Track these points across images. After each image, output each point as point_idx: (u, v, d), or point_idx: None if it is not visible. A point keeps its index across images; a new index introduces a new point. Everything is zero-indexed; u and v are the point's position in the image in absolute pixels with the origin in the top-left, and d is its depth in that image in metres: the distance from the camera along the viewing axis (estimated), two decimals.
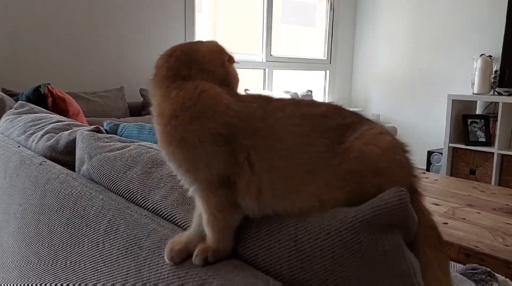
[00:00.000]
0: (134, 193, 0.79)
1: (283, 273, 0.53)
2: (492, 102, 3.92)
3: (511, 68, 3.73)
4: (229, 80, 0.61)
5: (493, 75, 3.83)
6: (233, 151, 0.54)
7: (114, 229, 0.73)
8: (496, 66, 3.85)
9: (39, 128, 1.54)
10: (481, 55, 3.87)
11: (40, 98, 2.42)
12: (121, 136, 1.32)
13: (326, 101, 4.15)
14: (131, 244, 0.68)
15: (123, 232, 0.71)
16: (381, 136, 0.56)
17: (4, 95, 2.14)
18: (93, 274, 0.74)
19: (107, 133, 1.37)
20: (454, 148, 4.01)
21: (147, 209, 0.75)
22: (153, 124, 0.58)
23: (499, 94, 3.79)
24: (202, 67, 0.58)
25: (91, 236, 0.77)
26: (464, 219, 2.11)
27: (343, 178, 0.53)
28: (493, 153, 3.73)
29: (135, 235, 0.69)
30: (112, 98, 3.39)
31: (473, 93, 3.91)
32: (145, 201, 0.76)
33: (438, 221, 2.03)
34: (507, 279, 1.11)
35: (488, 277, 1.07)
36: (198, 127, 0.54)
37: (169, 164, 0.58)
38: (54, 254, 0.88)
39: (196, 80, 0.57)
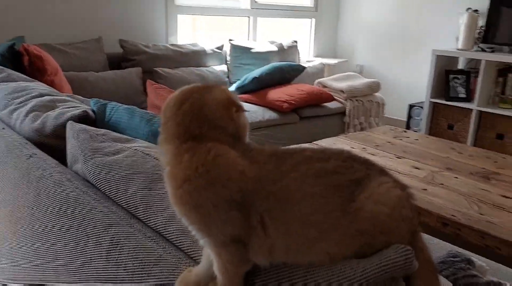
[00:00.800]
0: (136, 208, 0.79)
1: None
2: (475, 58, 3.93)
3: (496, 25, 3.72)
4: (240, 132, 0.60)
5: (477, 31, 3.82)
6: (247, 215, 0.54)
7: (118, 248, 0.74)
8: (481, 22, 3.83)
9: (21, 103, 1.49)
10: (467, 10, 3.83)
11: (15, 56, 2.31)
12: (109, 120, 1.29)
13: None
14: (137, 268, 0.70)
15: (128, 253, 0.72)
16: (389, 192, 0.57)
17: None
18: (96, 279, 0.76)
19: (94, 114, 1.34)
20: (435, 103, 4.06)
21: (150, 228, 0.76)
22: (165, 180, 0.58)
23: (482, 50, 3.80)
24: (213, 124, 0.57)
25: (93, 250, 0.78)
26: (443, 184, 2.20)
27: (353, 236, 0.55)
28: (472, 109, 3.80)
29: (141, 260, 0.70)
30: (90, 50, 3.27)
31: (457, 49, 3.91)
32: (148, 220, 0.77)
33: (418, 187, 2.10)
34: (483, 264, 1.19)
35: (467, 266, 1.14)
36: (212, 193, 0.54)
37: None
38: (54, 256, 0.89)
39: (208, 140, 0.56)
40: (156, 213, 0.76)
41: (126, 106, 1.31)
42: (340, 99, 3.87)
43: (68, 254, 0.85)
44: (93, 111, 1.35)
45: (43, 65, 2.30)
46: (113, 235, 0.77)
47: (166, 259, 0.68)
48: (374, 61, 4.89)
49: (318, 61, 4.67)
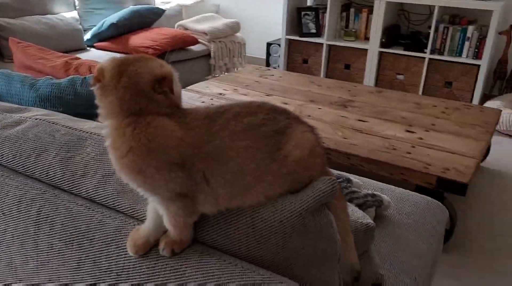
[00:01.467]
0: (58, 179, 0.78)
1: (241, 252, 0.65)
2: None
3: None
4: (175, 101, 0.63)
5: None
6: (190, 174, 0.61)
7: (48, 221, 0.74)
8: None
9: None
10: None
11: None
12: None
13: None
14: (77, 237, 0.71)
15: (62, 225, 0.72)
16: (307, 137, 0.68)
17: None
18: (35, 272, 0.75)
19: None
20: (290, 39, 4.33)
21: (80, 197, 0.76)
22: (108, 150, 0.60)
23: None
24: (151, 99, 0.60)
25: (21, 230, 0.76)
26: (310, 116, 2.45)
27: (283, 177, 0.65)
28: (322, 43, 4.16)
29: (78, 228, 0.71)
30: None
31: None
32: (77, 189, 0.76)
33: None
34: (358, 180, 1.42)
35: (348, 184, 1.35)
36: (154, 160, 0.60)
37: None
38: None
39: (147, 114, 0.59)
40: (83, 180, 0.76)
41: None
42: (204, 42, 3.89)
43: None
44: None
45: None
46: (39, 208, 0.75)
47: (108, 223, 0.70)
48: (229, 0, 4.94)
49: (174, 2, 4.55)
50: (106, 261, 0.68)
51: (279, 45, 4.43)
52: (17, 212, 0.77)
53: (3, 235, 0.78)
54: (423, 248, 1.26)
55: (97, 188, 0.74)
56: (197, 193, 0.62)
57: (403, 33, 4.01)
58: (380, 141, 2.12)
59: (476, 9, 3.43)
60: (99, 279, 0.68)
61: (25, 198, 0.77)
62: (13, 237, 0.77)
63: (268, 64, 4.59)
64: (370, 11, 3.94)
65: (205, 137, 0.62)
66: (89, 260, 0.69)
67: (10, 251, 0.78)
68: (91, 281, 0.69)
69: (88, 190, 0.75)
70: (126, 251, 0.66)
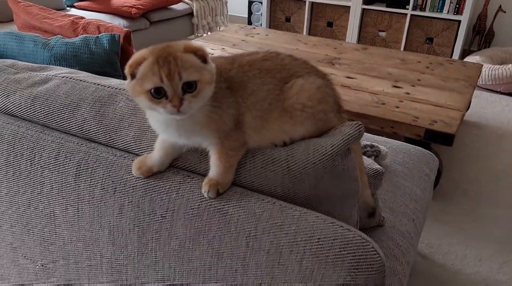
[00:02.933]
0: (94, 134, 0.82)
1: (277, 192, 0.72)
2: None
3: None
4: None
5: None
6: (235, 98, 0.70)
7: (89, 171, 0.78)
8: None
9: None
10: None
11: None
12: None
13: None
14: (118, 184, 0.76)
15: (103, 174, 0.77)
16: (312, 76, 0.76)
17: None
18: (75, 219, 0.80)
19: None
20: None
21: (117, 149, 0.80)
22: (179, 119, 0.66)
23: None
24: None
25: (58, 181, 0.80)
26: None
27: (299, 115, 0.73)
28: (305, 1, 4.15)
29: (119, 176, 0.76)
30: None
31: None
32: (113, 141, 0.81)
33: None
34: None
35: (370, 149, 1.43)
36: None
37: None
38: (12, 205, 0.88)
39: None
40: (119, 133, 0.80)
41: (4, 31, 1.19)
42: (186, 0, 3.83)
43: (31, 199, 0.84)
44: None
45: None
46: (78, 161, 0.79)
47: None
48: None
49: None
50: (149, 205, 0.74)
51: (261, 3, 4.39)
52: (55, 164, 0.81)
53: (42, 187, 0.82)
54: (419, 193, 1.36)
55: (135, 140, 0.79)
56: (242, 117, 0.70)
57: None
58: (369, 97, 2.20)
59: None
60: (142, 221, 0.74)
61: (63, 151, 0.81)
62: (52, 188, 0.82)
63: (250, 22, 4.56)
64: None
65: (227, 65, 0.72)
66: (132, 204, 0.75)
67: (49, 202, 0.83)
68: (134, 224, 0.75)
69: (124, 142, 0.80)
70: (169, 195, 0.72)
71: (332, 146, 0.69)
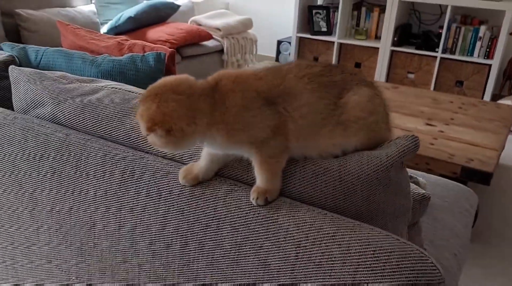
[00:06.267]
0: (142, 143, 0.82)
1: (327, 204, 0.69)
2: None
3: None
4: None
5: None
6: (276, 109, 0.69)
7: (135, 177, 0.78)
8: None
9: None
10: None
11: None
12: (38, 64, 1.21)
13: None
14: (164, 190, 0.75)
15: (149, 180, 0.76)
16: (362, 87, 0.75)
17: None
18: (119, 216, 0.79)
19: (17, 60, 1.24)
20: (301, 37, 4.39)
21: (164, 158, 0.80)
22: (213, 132, 0.67)
23: None
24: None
25: (103, 185, 0.80)
26: None
27: (351, 127, 0.71)
28: (333, 41, 4.22)
29: (168, 184, 0.75)
30: None
31: None
32: (160, 150, 0.80)
33: None
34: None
35: None
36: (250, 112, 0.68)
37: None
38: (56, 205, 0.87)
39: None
40: None
41: (54, 48, 1.23)
42: (217, 37, 3.93)
43: (78, 200, 0.84)
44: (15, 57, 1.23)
45: None
46: (124, 167, 0.79)
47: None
48: None
49: None
50: (194, 213, 0.72)
51: (289, 43, 4.48)
52: (101, 171, 0.81)
53: (86, 195, 0.82)
54: (460, 228, 1.30)
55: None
56: (284, 125, 0.69)
57: (414, 32, 4.07)
58: (402, 133, 2.17)
59: (488, 9, 3.49)
60: (186, 230, 0.73)
61: (109, 158, 0.81)
62: (95, 195, 0.81)
63: (278, 62, 4.64)
64: (382, 10, 4.00)
65: (275, 81, 0.71)
66: (176, 210, 0.73)
67: (90, 207, 0.82)
68: (177, 233, 0.74)
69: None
70: (215, 203, 0.71)
71: (387, 157, 0.67)
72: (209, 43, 3.83)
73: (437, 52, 3.70)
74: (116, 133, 0.84)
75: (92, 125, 0.86)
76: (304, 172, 0.70)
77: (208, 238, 0.71)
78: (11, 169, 0.89)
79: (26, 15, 3.09)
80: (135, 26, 3.58)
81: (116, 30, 3.61)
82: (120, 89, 0.90)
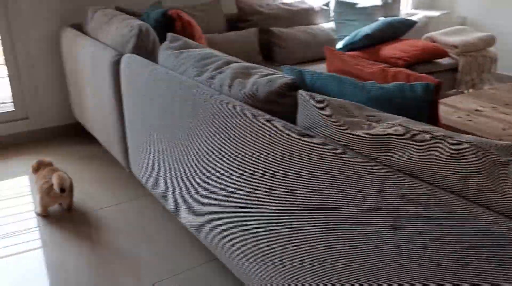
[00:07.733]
0: (419, 172, 0.92)
1: None
2: None
3: None
4: None
5: None
6: None
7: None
8: None
9: (216, 69, 1.65)
10: None
11: (168, 20, 2.49)
12: (312, 87, 1.41)
13: None
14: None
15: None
16: None
17: (142, 23, 2.22)
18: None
19: (294, 81, 1.46)
20: None
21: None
22: None
23: None
24: None
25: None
26: None
27: None
28: None
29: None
30: (210, 12, 3.40)
31: None
32: (438, 181, 0.89)
33: None
34: None
35: None
36: None
37: None
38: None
39: None
40: (443, 174, 0.88)
41: (326, 73, 1.42)
42: (453, 55, 3.78)
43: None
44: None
45: (192, 30, 2.46)
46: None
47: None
48: (481, 11, 4.66)
49: (419, 14, 4.53)
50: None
51: None
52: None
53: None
54: None
55: (459, 181, 0.85)
56: None
57: None
58: None
59: None
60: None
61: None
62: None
63: None
64: None
65: None
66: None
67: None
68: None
69: (449, 182, 0.87)
70: None
71: None
72: (443, 60, 3.72)
73: None
74: (390, 159, 0.96)
75: (381, 155, 1.00)
76: None
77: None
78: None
79: (278, 32, 3.54)
80: (370, 43, 3.72)
81: (351, 47, 3.81)
82: (407, 127, 1.02)
